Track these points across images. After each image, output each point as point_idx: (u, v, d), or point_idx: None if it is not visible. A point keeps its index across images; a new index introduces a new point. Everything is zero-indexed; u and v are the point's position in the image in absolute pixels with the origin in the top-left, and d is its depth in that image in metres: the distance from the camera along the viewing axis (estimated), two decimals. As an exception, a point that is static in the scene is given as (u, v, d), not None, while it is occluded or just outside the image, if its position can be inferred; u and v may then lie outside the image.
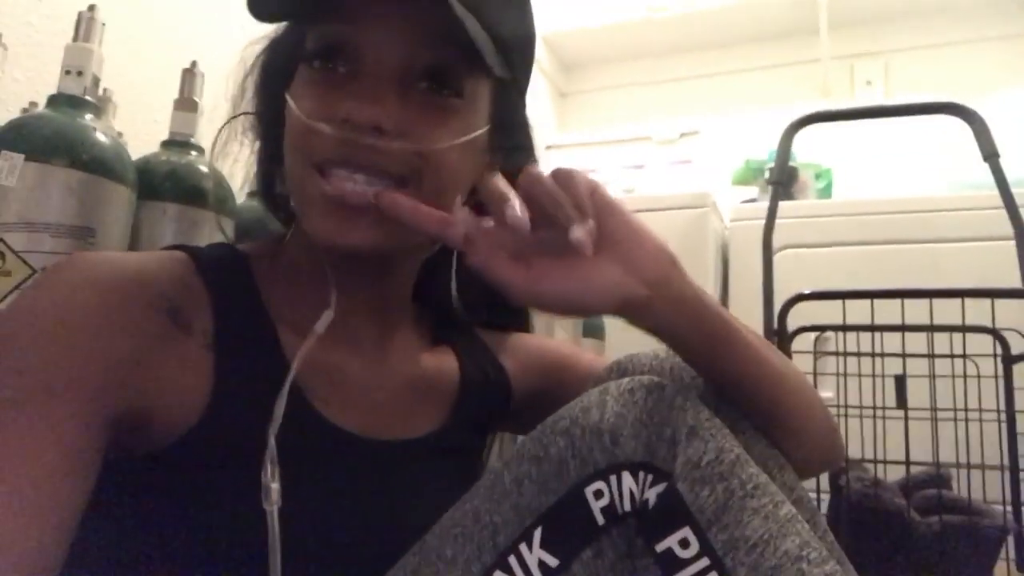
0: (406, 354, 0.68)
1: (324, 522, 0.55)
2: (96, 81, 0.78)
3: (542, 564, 0.50)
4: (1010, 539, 1.04)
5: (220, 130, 0.66)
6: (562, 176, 0.49)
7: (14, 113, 0.95)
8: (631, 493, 0.50)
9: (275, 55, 0.63)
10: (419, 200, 0.54)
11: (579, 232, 0.47)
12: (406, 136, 0.55)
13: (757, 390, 0.56)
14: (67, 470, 0.45)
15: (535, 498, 0.52)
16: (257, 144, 0.67)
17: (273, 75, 0.62)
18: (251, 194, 0.98)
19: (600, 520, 0.50)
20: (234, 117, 0.66)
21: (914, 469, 1.10)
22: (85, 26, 0.78)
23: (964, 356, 1.10)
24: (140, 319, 0.51)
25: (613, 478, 0.50)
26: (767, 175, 1.95)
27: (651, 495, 0.49)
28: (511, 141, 0.65)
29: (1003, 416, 1.17)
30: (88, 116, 0.76)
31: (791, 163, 1.92)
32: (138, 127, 1.07)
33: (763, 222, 1.40)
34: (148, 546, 0.52)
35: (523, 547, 0.51)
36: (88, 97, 0.77)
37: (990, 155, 1.31)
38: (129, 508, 0.52)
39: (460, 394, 0.69)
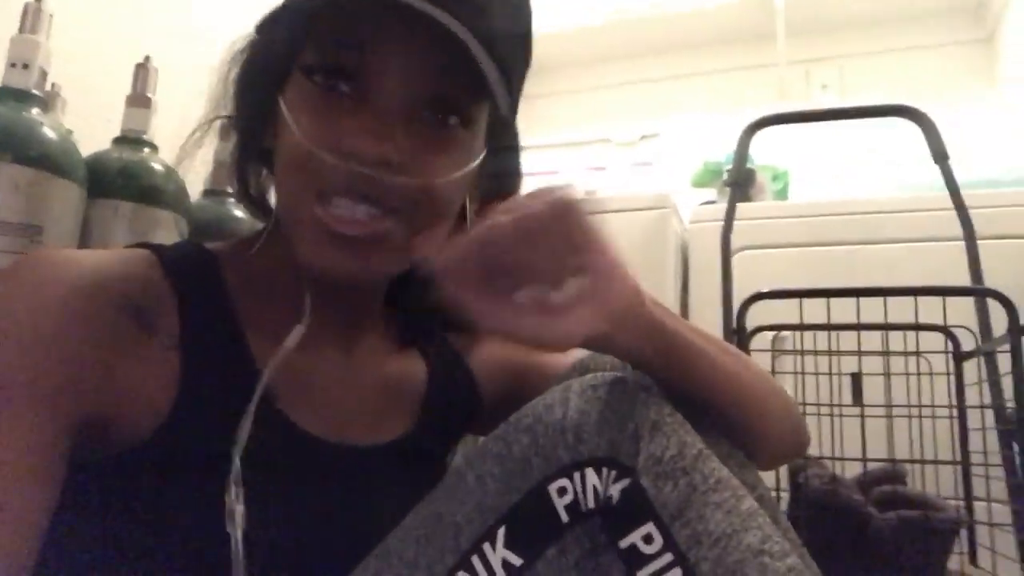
0: (374, 359, 0.67)
1: (289, 527, 0.55)
2: (43, 75, 0.76)
3: (506, 563, 0.50)
4: (963, 532, 1.07)
5: (195, 131, 0.64)
6: (537, 218, 0.46)
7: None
8: (595, 489, 0.49)
9: (264, 55, 0.59)
10: (411, 227, 0.55)
11: (558, 299, 0.47)
12: (410, 169, 0.53)
13: (721, 402, 0.56)
14: (33, 475, 0.44)
15: (498, 497, 0.51)
16: (234, 141, 0.64)
17: (260, 76, 0.59)
18: (206, 192, 0.96)
19: (564, 517, 0.50)
20: (215, 119, 0.63)
21: (871, 465, 1.12)
22: (32, 17, 0.76)
23: (917, 353, 1.13)
24: (102, 319, 0.50)
25: (577, 475, 0.50)
26: (725, 177, 1.97)
27: (615, 491, 0.49)
28: (505, 165, 0.64)
29: (955, 412, 1.20)
30: (35, 110, 0.74)
31: (749, 165, 1.94)
32: (88, 124, 1.05)
33: (721, 223, 1.42)
34: (110, 551, 0.51)
35: (487, 547, 0.50)
36: (35, 91, 0.75)
37: (940, 157, 1.34)
38: (92, 513, 0.51)
39: (427, 399, 0.69)
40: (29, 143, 0.71)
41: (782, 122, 1.47)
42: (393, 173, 0.52)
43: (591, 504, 0.50)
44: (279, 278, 0.61)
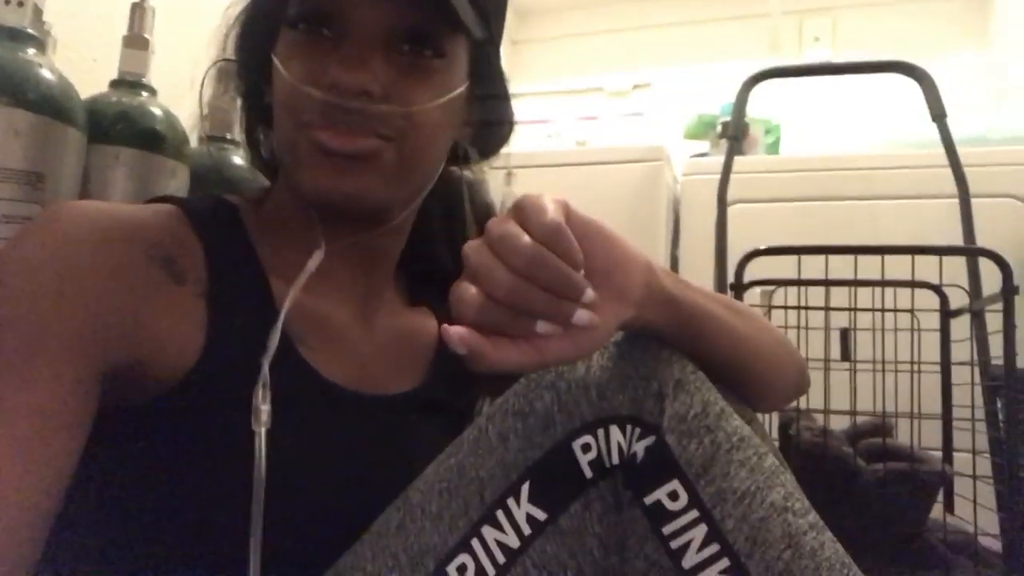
0: (389, 313, 0.69)
1: (309, 468, 0.56)
2: (38, 12, 0.73)
3: (530, 518, 0.51)
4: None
5: (204, 75, 0.68)
6: (545, 230, 0.44)
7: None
8: (619, 446, 0.50)
9: (256, 15, 0.63)
10: (402, 158, 0.58)
11: (584, 317, 0.45)
12: (391, 98, 0.57)
13: (736, 362, 0.58)
14: (61, 423, 0.45)
15: (521, 452, 0.52)
16: (240, 104, 0.69)
17: (255, 34, 0.63)
18: (206, 139, 0.94)
19: (588, 473, 0.51)
20: (219, 61, 0.66)
21: (859, 419, 1.15)
22: (25, -47, 0.72)
23: (912, 311, 1.14)
24: (134, 269, 0.51)
25: (600, 431, 0.51)
26: (719, 129, 1.96)
27: (639, 448, 0.50)
28: (489, 94, 0.67)
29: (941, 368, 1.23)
30: (31, 51, 0.71)
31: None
32: (79, 66, 1.01)
33: (716, 176, 1.41)
34: (144, 493, 0.52)
35: (511, 501, 0.51)
36: (30, 30, 0.72)
37: (938, 115, 1.34)
38: (124, 458, 0.53)
39: (437, 353, 0.70)
40: (27, 85, 0.68)
41: (782, 75, 1.46)
42: (374, 103, 0.56)
43: (615, 460, 0.51)
44: (294, 222, 0.63)
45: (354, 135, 0.56)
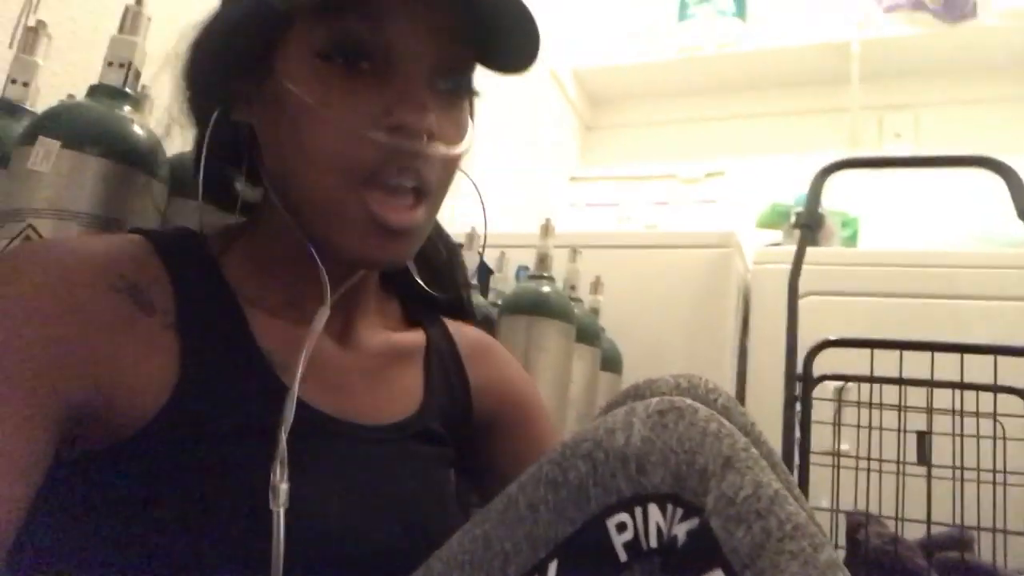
0: (373, 340, 0.67)
1: (307, 504, 0.53)
2: (137, 74, 0.78)
3: None
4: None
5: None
6: None
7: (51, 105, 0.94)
8: (658, 527, 0.47)
9: (234, 40, 0.57)
10: (431, 209, 0.56)
11: None
12: (438, 140, 0.54)
13: None
14: (17, 465, 0.43)
15: (551, 527, 0.49)
16: (197, 139, 0.64)
17: (231, 63, 0.57)
18: None
19: (622, 556, 0.47)
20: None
21: (935, 529, 1.07)
22: (131, 19, 0.77)
23: (995, 416, 1.07)
24: (97, 303, 0.50)
25: (638, 510, 0.47)
26: (793, 219, 1.93)
27: (680, 531, 0.46)
28: None
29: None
30: (126, 108, 0.76)
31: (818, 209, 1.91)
32: (173, 127, 1.07)
33: (788, 266, 1.38)
34: (119, 539, 0.50)
35: None
36: (128, 89, 0.76)
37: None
38: (99, 503, 0.50)
39: (427, 383, 0.68)
40: (118, 138, 0.72)
41: (859, 166, 1.43)
42: (433, 146, 0.53)
43: (653, 543, 0.47)
44: (279, 258, 0.60)
45: (411, 208, 0.54)
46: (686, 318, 1.70)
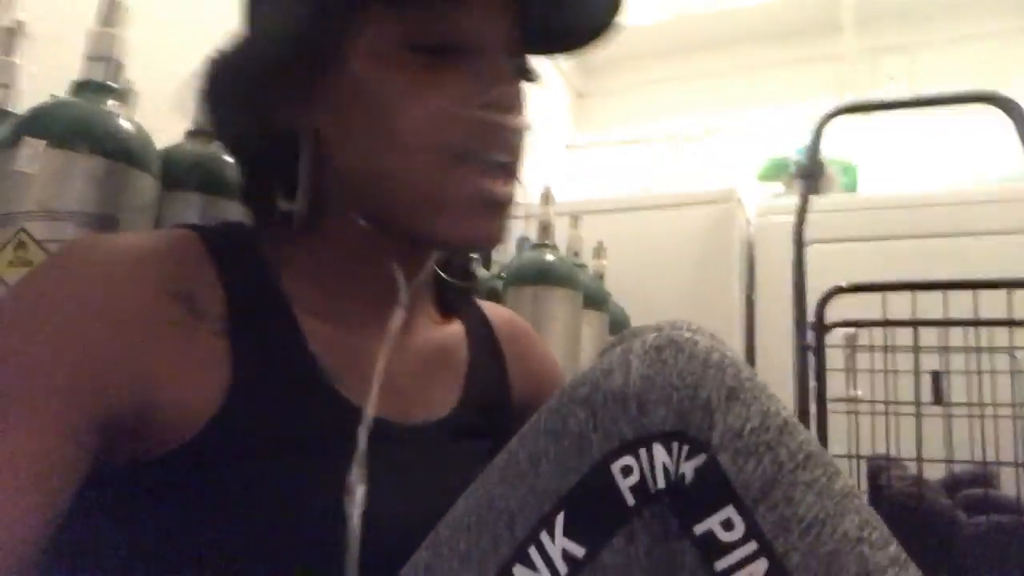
0: (421, 335, 0.65)
1: (374, 508, 0.52)
2: (120, 67, 0.76)
3: (567, 555, 0.45)
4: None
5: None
6: None
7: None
8: (664, 467, 0.44)
9: (299, 41, 0.54)
10: (517, 183, 0.56)
11: None
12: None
13: None
14: (44, 476, 0.41)
15: (554, 478, 0.46)
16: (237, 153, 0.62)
17: (290, 67, 0.55)
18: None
19: (630, 500, 0.45)
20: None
21: (956, 468, 1.07)
22: (109, 10, 0.76)
23: (1011, 350, 1.07)
24: (148, 307, 0.48)
25: (643, 451, 0.45)
26: (793, 170, 1.91)
27: (687, 469, 0.44)
28: None
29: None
30: (112, 103, 0.74)
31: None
32: (160, 119, 1.06)
33: (790, 217, 1.37)
34: (170, 550, 0.48)
35: (544, 536, 0.45)
36: (112, 83, 0.75)
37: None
38: (143, 517, 0.49)
39: (468, 373, 0.67)
40: (106, 134, 0.71)
41: (860, 111, 1.42)
42: (522, 118, 0.55)
43: (661, 484, 0.45)
44: (336, 261, 0.58)
45: (511, 179, 0.54)
46: (691, 276, 1.69)
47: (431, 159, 0.52)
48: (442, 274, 0.68)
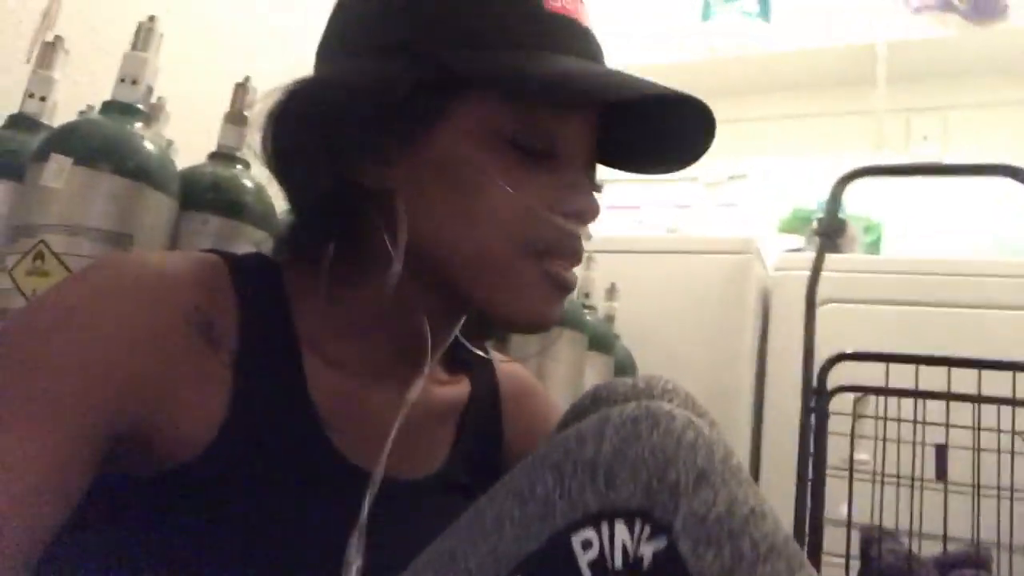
0: (426, 391, 0.65)
1: (327, 558, 0.53)
2: (150, 90, 0.79)
3: None
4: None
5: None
6: None
7: (72, 115, 0.96)
8: (624, 547, 0.44)
9: (394, 105, 0.54)
10: None
11: None
12: None
13: None
14: (59, 478, 0.43)
15: (515, 543, 0.46)
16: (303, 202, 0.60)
17: (381, 128, 0.55)
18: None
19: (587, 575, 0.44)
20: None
21: (952, 546, 1.05)
22: (144, 36, 0.79)
23: (1013, 432, 1.05)
24: (170, 331, 0.50)
25: (604, 526, 0.45)
26: (815, 224, 1.91)
27: (646, 551, 0.43)
28: None
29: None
30: (138, 124, 0.77)
31: (840, 215, 1.88)
32: (190, 137, 1.09)
33: (808, 273, 1.37)
34: (150, 566, 0.50)
35: None
36: (140, 105, 0.78)
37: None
38: (135, 531, 0.50)
39: (459, 430, 0.68)
40: (129, 155, 0.74)
41: (879, 174, 1.42)
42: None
43: (618, 563, 0.44)
44: (357, 307, 0.59)
45: (573, 267, 0.58)
46: (704, 324, 1.69)
47: (510, 249, 0.55)
48: (460, 338, 0.69)
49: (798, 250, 1.95)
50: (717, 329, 1.69)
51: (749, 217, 2.36)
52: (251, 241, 0.86)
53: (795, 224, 2.00)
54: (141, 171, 0.74)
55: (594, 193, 0.59)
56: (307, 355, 0.57)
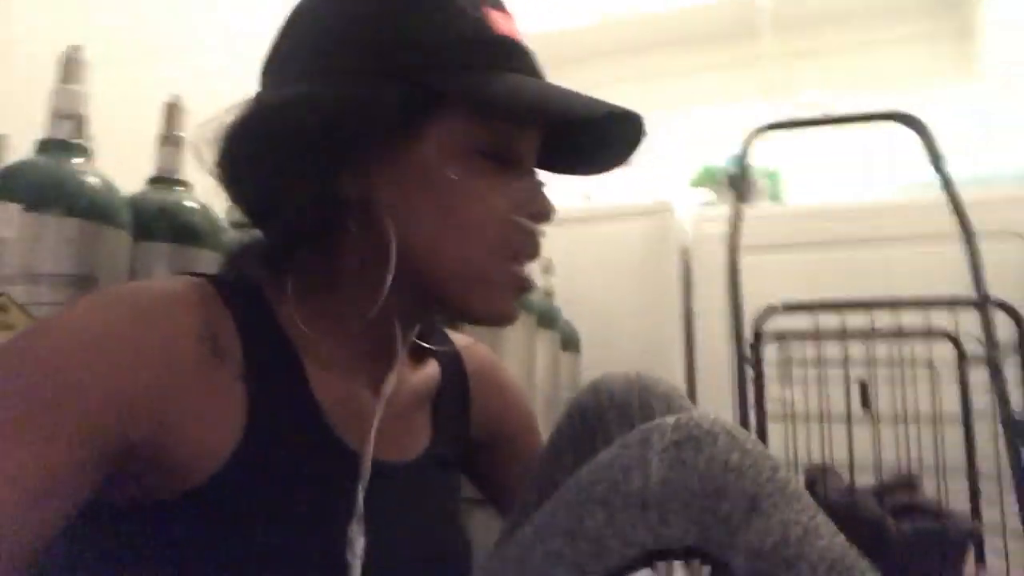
0: (404, 379, 0.70)
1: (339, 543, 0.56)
2: (85, 122, 0.76)
3: None
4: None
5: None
6: None
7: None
8: None
9: (374, 119, 0.56)
10: None
11: None
12: None
13: None
14: (58, 488, 0.43)
15: None
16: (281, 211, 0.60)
17: (359, 141, 0.57)
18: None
19: None
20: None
21: (885, 474, 1.16)
22: (71, 66, 0.75)
23: (931, 363, 1.16)
24: (179, 348, 0.51)
25: (661, 566, 0.46)
26: (723, 180, 2.00)
27: None
28: None
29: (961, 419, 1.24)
30: (79, 160, 0.74)
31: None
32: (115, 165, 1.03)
33: (724, 227, 1.44)
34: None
35: None
36: (77, 140, 0.75)
37: (937, 163, 1.38)
38: (160, 556, 0.51)
39: (436, 407, 0.73)
40: (76, 195, 0.71)
41: (784, 127, 1.50)
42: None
43: None
44: (349, 316, 0.61)
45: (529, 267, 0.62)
46: (632, 289, 1.75)
47: (486, 252, 0.59)
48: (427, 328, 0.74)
49: (711, 204, 2.04)
50: (645, 291, 1.76)
51: (656, 176, 2.44)
52: (207, 265, 0.84)
53: (705, 179, 2.08)
54: (92, 209, 0.71)
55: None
56: (308, 365, 0.59)
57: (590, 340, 1.55)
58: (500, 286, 0.60)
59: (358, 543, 0.52)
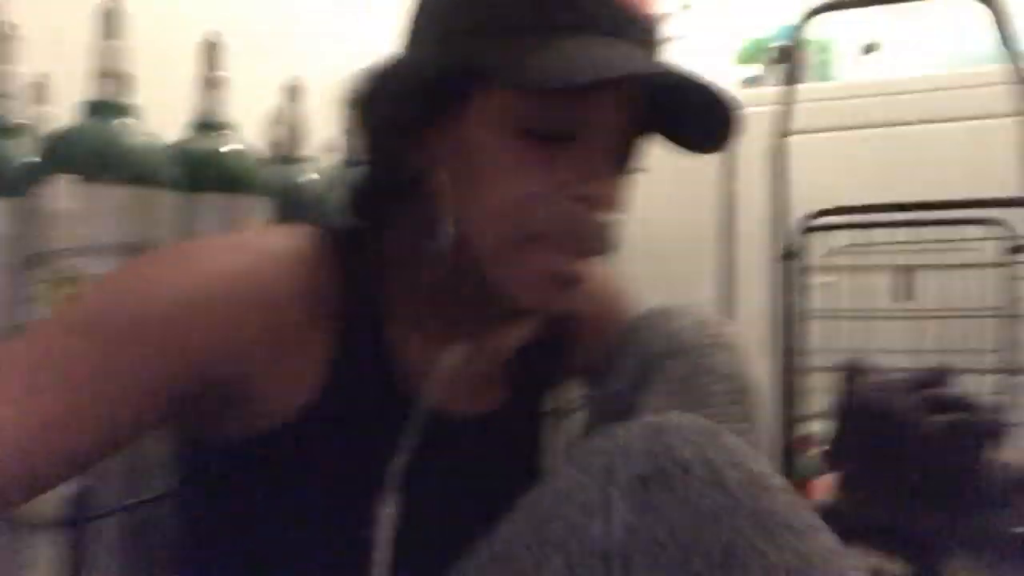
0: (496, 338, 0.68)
1: (425, 498, 0.59)
2: (130, 79, 0.76)
3: None
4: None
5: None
6: None
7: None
8: None
9: (427, 92, 0.56)
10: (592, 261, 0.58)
11: None
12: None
13: None
14: (122, 400, 0.47)
15: None
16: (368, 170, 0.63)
17: (420, 113, 0.57)
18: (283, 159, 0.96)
19: None
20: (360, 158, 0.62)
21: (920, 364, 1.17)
22: (110, 20, 0.75)
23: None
24: (280, 311, 0.54)
25: None
26: (773, 55, 1.91)
27: None
28: None
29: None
30: (124, 120, 0.75)
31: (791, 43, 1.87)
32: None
33: (770, 107, 1.40)
34: (259, 527, 0.57)
35: None
36: (123, 101, 0.76)
37: (1010, 44, 1.28)
38: (238, 491, 0.57)
39: (512, 362, 0.71)
40: (126, 161, 0.73)
41: (847, 7, 1.42)
42: (606, 214, 0.56)
43: None
44: (432, 284, 0.61)
45: (583, 259, 0.56)
46: (667, 167, 1.71)
47: (504, 233, 0.55)
48: None
49: (757, 79, 1.96)
50: (680, 171, 1.72)
51: (698, 50, 2.33)
52: (253, 210, 0.86)
53: (752, 54, 1.99)
54: (136, 173, 0.73)
55: (620, 173, 0.58)
56: (394, 319, 0.61)
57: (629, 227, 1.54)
58: (525, 274, 0.55)
59: (385, 516, 0.55)
